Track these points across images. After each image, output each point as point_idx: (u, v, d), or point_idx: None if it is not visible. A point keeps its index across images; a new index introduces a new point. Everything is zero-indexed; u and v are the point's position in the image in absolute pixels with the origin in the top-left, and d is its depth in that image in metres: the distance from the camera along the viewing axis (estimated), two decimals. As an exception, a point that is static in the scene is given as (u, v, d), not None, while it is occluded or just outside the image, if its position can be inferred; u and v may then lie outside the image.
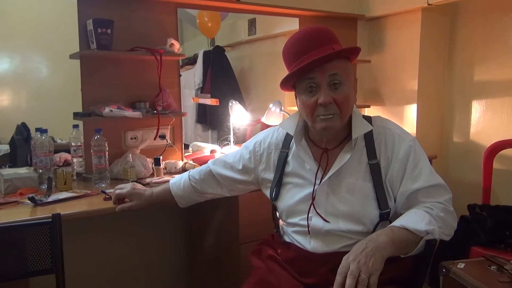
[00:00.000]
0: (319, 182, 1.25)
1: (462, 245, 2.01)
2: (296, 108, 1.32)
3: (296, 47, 1.21)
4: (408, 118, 2.73)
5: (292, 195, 1.31)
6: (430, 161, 2.34)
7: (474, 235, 2.00)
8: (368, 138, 1.26)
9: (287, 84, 1.27)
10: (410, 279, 1.21)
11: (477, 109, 2.59)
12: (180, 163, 2.16)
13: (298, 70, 1.18)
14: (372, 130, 1.26)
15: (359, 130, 1.24)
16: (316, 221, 1.24)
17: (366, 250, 1.07)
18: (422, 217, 1.14)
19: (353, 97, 1.24)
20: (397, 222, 1.15)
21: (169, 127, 2.22)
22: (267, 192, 1.40)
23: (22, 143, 2.16)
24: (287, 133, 1.36)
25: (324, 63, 1.17)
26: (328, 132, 1.24)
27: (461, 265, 1.60)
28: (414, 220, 1.14)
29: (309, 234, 1.26)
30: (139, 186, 1.61)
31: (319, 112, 1.20)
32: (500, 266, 1.57)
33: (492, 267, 1.59)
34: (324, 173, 1.26)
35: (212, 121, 3.00)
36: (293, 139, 1.32)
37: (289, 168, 1.34)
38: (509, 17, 2.38)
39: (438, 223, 1.15)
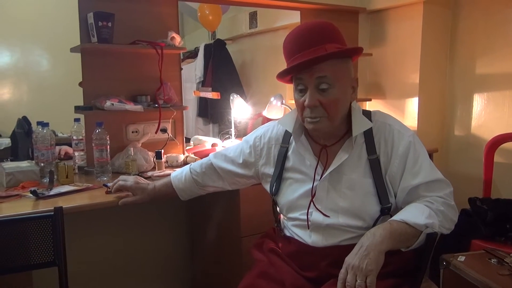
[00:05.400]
0: (319, 178, 1.25)
1: (462, 238, 2.01)
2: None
3: (291, 45, 1.20)
4: (410, 112, 2.73)
5: (292, 191, 1.31)
6: (431, 154, 2.36)
7: (474, 228, 2.00)
8: (368, 133, 1.25)
9: (284, 79, 1.27)
10: (411, 272, 1.21)
11: (479, 102, 2.58)
12: (182, 157, 2.16)
13: (289, 69, 1.18)
14: (371, 125, 1.26)
15: (359, 127, 1.23)
16: (316, 216, 1.25)
17: (361, 250, 1.07)
18: (422, 211, 1.15)
19: (344, 99, 1.21)
20: (397, 216, 1.15)
21: (170, 120, 2.22)
22: (267, 187, 1.40)
23: (23, 137, 2.15)
24: (286, 128, 1.35)
25: (312, 65, 1.15)
26: (318, 133, 1.25)
27: (462, 258, 1.61)
28: (414, 214, 1.14)
29: (308, 228, 1.26)
30: (142, 179, 1.61)
31: (306, 113, 1.21)
32: (500, 259, 1.57)
33: (493, 260, 1.60)
34: (324, 168, 1.25)
35: (213, 114, 3.00)
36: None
37: (289, 163, 1.33)
38: (511, 9, 2.37)
39: (438, 217, 1.15)
